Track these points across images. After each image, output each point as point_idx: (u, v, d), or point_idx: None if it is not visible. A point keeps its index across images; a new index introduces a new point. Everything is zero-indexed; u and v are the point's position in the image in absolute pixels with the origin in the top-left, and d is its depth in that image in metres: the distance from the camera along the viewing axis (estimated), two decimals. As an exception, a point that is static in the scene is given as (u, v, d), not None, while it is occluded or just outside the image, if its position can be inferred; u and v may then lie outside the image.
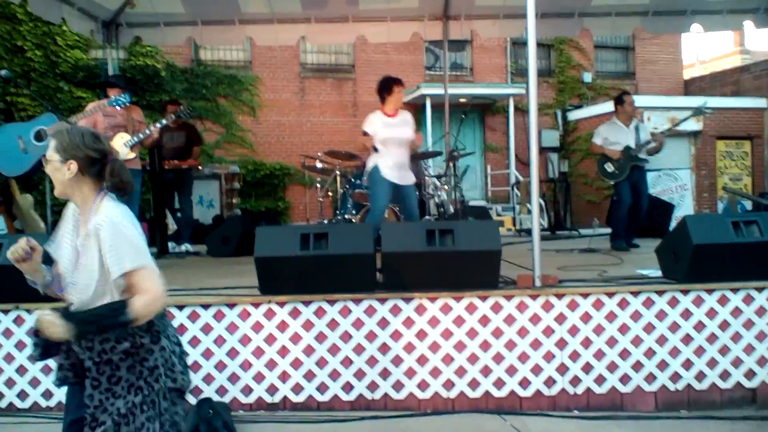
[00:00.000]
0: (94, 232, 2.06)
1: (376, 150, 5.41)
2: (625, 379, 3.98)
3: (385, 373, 3.95)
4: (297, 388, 3.96)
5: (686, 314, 4.00)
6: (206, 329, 3.95)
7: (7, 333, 4.04)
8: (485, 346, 3.96)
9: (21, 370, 4.03)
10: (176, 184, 7.10)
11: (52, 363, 2.31)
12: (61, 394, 4.02)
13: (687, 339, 3.99)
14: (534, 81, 4.19)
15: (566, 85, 15.05)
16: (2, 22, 11.08)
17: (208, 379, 3.93)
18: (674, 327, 3.99)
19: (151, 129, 5.27)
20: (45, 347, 2.15)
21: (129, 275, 2.05)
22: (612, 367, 3.97)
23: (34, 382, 4.02)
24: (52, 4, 6.69)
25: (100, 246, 2.05)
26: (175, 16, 7.77)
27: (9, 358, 4.03)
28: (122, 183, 2.18)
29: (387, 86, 5.47)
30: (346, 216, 7.19)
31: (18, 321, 4.03)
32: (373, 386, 3.95)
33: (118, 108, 4.87)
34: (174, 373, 2.18)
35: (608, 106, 13.08)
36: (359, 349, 3.95)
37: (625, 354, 3.98)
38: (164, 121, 5.61)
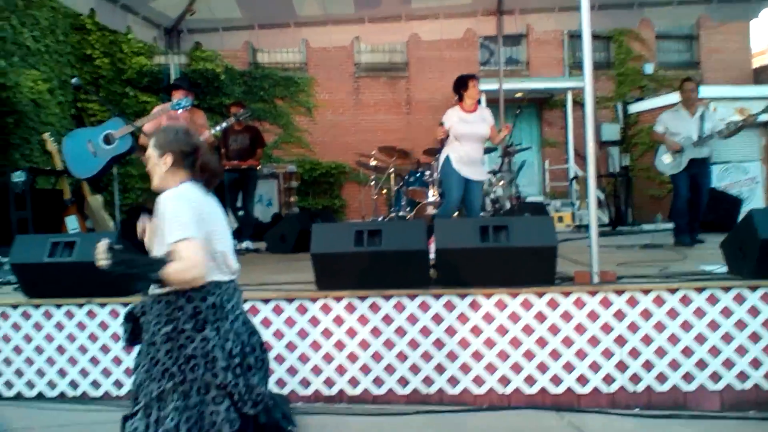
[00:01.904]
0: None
1: (447, 142, 5.57)
2: (688, 377, 3.86)
3: (440, 368, 3.97)
4: (353, 382, 4.03)
5: (754, 311, 3.84)
6: (266, 323, 4.07)
7: (81, 326, 4.27)
8: (541, 342, 3.92)
9: (94, 361, 4.25)
10: (241, 184, 7.30)
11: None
12: (131, 384, 4.22)
13: (755, 337, 3.84)
14: (590, 74, 4.12)
15: (626, 77, 14.60)
16: (73, 33, 11.67)
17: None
18: (741, 324, 3.84)
19: (205, 134, 5.41)
20: (132, 333, 2.31)
21: (173, 245, 2.13)
22: (674, 365, 3.86)
23: (107, 372, 4.24)
24: (117, 13, 7.00)
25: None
26: (232, 21, 8.00)
27: (83, 349, 4.26)
28: (210, 174, 2.31)
29: (462, 83, 5.68)
30: (400, 213, 7.24)
31: (90, 314, 4.26)
32: (428, 381, 3.98)
33: (179, 111, 5.05)
34: (215, 367, 2.12)
35: (672, 98, 12.62)
36: (414, 344, 3.99)
37: (688, 352, 3.86)
38: (224, 124, 5.78)
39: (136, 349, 2.40)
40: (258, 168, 7.42)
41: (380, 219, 7.53)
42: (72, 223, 5.58)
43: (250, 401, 2.23)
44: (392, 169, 7.60)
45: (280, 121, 13.19)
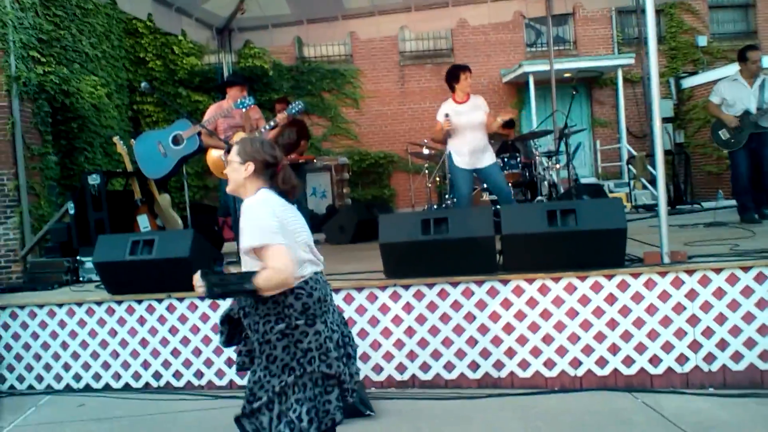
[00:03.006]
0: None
1: (450, 136, 5.59)
2: (765, 356, 3.80)
3: (510, 352, 4.02)
4: (425, 367, 4.12)
5: (833, 287, 3.76)
6: (337, 312, 4.19)
7: (162, 319, 4.48)
8: (612, 324, 3.92)
9: (175, 353, 4.46)
10: None
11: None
12: (211, 374, 4.43)
13: (835, 313, 3.76)
14: (654, 50, 4.01)
15: (679, 50, 14.16)
16: (127, 37, 12.06)
17: (341, 359, 4.18)
18: (820, 301, 3.77)
19: (265, 130, 5.50)
20: (229, 335, 2.40)
21: (257, 252, 2.20)
22: (750, 344, 3.82)
23: (187, 363, 4.45)
24: (173, 17, 7.22)
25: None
26: (282, 17, 8.13)
27: (164, 342, 4.48)
28: (291, 187, 2.40)
29: (454, 75, 5.62)
30: (455, 200, 7.27)
31: (170, 308, 4.47)
32: (498, 365, 4.04)
33: (243, 110, 5.18)
34: (328, 358, 2.23)
35: (727, 70, 12.16)
36: (484, 329, 4.05)
37: (764, 330, 3.80)
38: (277, 121, 5.86)
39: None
40: (314, 161, 7.53)
41: (434, 207, 7.58)
42: (143, 222, 5.82)
43: (351, 389, 2.32)
44: (445, 157, 7.61)
45: (328, 113, 13.35)
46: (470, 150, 5.56)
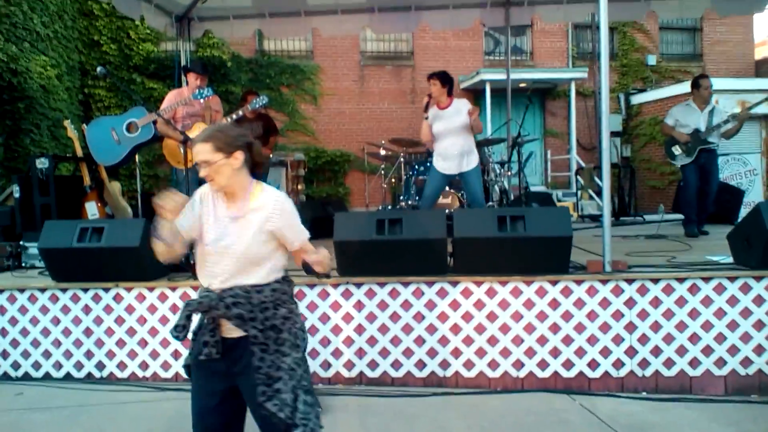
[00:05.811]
0: (270, 209, 2.29)
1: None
2: (694, 363, 4.03)
3: (456, 353, 4.13)
4: (372, 365, 4.19)
5: (759, 300, 4.00)
6: (288, 308, 4.20)
7: (108, 309, 4.40)
8: (554, 328, 4.08)
9: (120, 343, 4.39)
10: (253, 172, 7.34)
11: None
12: (156, 366, 4.37)
13: (759, 325, 4.00)
14: (606, 67, 4.20)
15: (630, 68, 14.70)
16: (81, 18, 11.71)
17: (290, 354, 4.20)
18: (746, 313, 4.01)
19: (230, 120, 5.45)
20: (185, 328, 2.34)
21: (302, 244, 2.39)
22: (681, 351, 4.03)
23: (132, 354, 4.38)
24: (132, 1, 7.06)
25: (276, 221, 2.29)
26: (243, 9, 8.05)
27: (110, 332, 4.40)
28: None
29: (428, 81, 5.62)
30: (410, 202, 7.36)
31: (117, 298, 4.39)
32: (444, 364, 4.14)
33: (201, 100, 5.13)
34: (305, 336, 2.48)
35: (674, 90, 12.74)
36: (432, 329, 4.14)
37: (694, 338, 4.02)
38: (240, 113, 5.82)
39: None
40: (270, 156, 7.50)
41: (389, 208, 7.65)
42: (92, 209, 5.68)
43: None
44: (402, 159, 7.70)
45: (286, 108, 13.27)
46: (447, 155, 5.53)
